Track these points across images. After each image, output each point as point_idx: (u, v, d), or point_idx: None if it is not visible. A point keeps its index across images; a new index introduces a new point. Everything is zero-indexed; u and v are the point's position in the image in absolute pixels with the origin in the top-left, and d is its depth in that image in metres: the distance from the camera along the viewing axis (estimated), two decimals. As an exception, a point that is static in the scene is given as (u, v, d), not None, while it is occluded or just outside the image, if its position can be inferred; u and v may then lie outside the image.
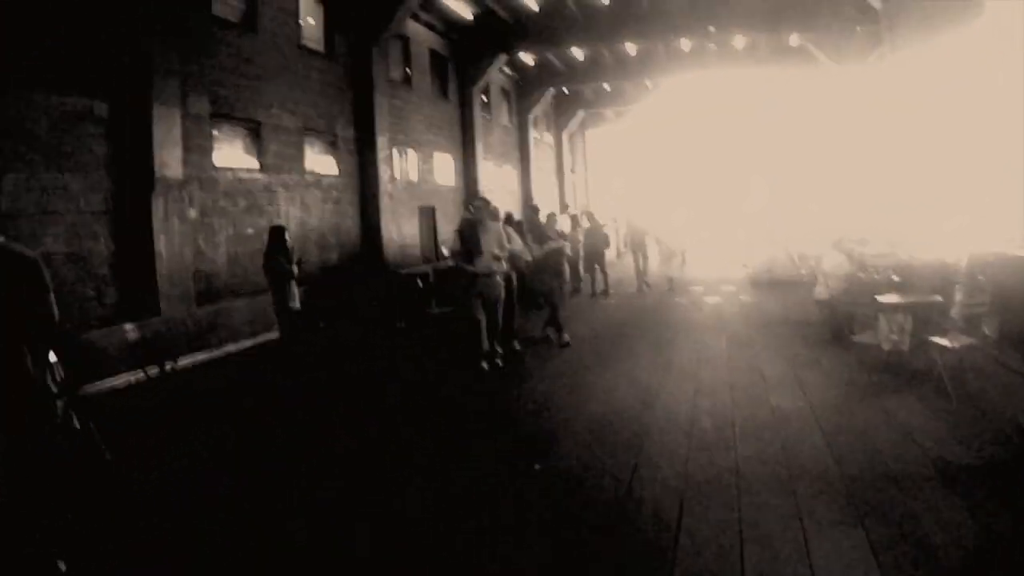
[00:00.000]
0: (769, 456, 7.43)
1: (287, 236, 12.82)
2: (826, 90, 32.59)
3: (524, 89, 39.52)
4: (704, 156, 52.68)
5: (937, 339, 9.61)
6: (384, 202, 22.94)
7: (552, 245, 14.97)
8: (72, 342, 12.15)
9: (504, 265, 12.25)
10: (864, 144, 27.31)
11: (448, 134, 30.27)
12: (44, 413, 5.66)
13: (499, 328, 12.44)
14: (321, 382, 12.07)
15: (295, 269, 12.70)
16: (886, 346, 10.20)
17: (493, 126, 35.94)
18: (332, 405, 10.64)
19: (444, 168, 29.73)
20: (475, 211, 12.14)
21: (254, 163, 18.48)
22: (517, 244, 12.84)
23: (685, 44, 34.78)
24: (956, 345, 9.42)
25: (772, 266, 23.02)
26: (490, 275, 11.96)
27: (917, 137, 19.58)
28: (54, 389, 6.57)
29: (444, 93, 30.28)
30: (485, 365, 11.97)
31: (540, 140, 43.82)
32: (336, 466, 7.92)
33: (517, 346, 13.36)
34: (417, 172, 27.08)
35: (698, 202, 40.83)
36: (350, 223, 22.23)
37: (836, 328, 12.62)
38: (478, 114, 32.20)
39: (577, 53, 35.27)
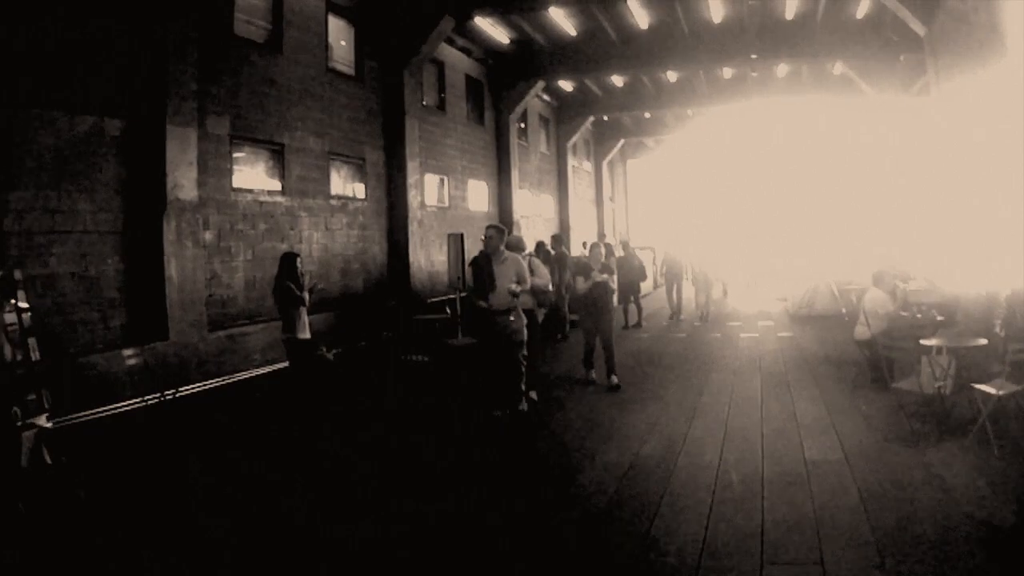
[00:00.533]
0: (799, 520, 6.75)
1: (299, 262, 12.21)
2: (869, 119, 31.83)
3: (562, 116, 38.99)
4: (745, 186, 51.75)
5: (981, 386, 8.91)
6: (413, 228, 22.42)
7: (596, 278, 13.09)
8: (71, 366, 11.75)
9: (526, 300, 11.21)
10: (909, 175, 26.59)
11: (483, 160, 29.77)
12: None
13: (518, 373, 11.05)
14: (319, 418, 11.44)
15: (306, 296, 12.11)
16: (928, 391, 9.46)
17: (530, 153, 35.44)
18: (324, 445, 10.09)
19: (478, 195, 29.21)
20: (489, 240, 10.88)
21: (276, 186, 18.01)
22: (542, 277, 11.74)
23: (726, 72, 34.08)
24: (1002, 392, 8.69)
25: (812, 300, 22.22)
26: (506, 312, 10.76)
27: (961, 170, 18.79)
28: (18, 422, 6.09)
29: (480, 119, 29.82)
30: (498, 413, 10.94)
31: (579, 168, 43.30)
32: (310, 511, 7.39)
33: (534, 396, 11.78)
34: (448, 198, 26.55)
35: (738, 232, 39.90)
36: (376, 249, 21.72)
37: (876, 370, 11.79)
38: (514, 141, 31.68)
39: (616, 80, 34.67)
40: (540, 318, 12.36)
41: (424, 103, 25.04)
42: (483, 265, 10.91)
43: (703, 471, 8.28)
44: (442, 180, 26.27)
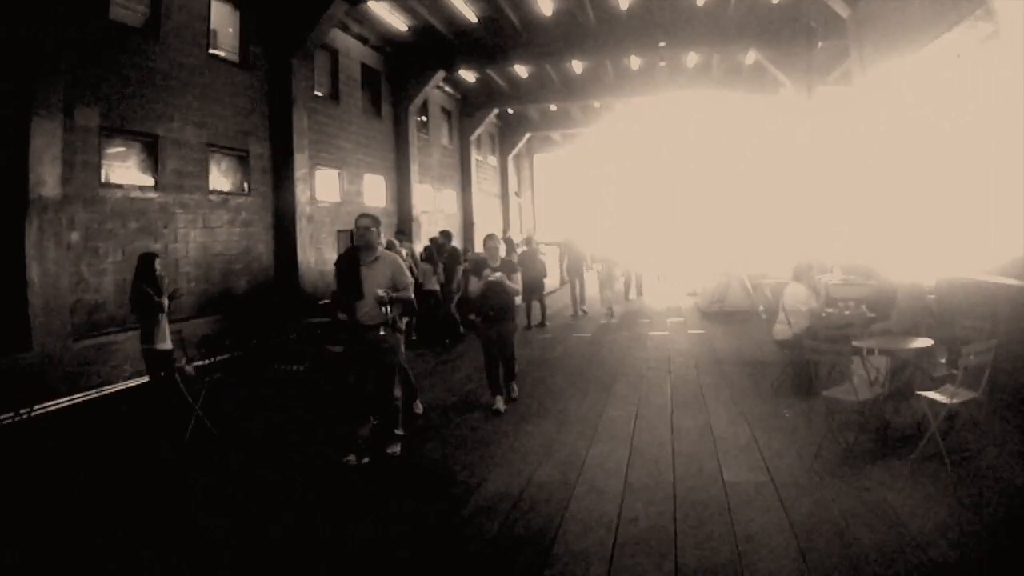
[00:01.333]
0: (719, 564, 5.63)
1: (157, 264, 10.83)
2: (784, 109, 31.10)
3: (466, 109, 37.82)
4: (655, 180, 51.05)
5: (930, 394, 7.88)
6: (301, 225, 20.96)
7: (490, 277, 10.79)
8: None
9: (393, 312, 8.81)
10: (826, 165, 25.89)
11: (380, 154, 28.30)
12: None
13: (391, 408, 9.03)
14: (166, 440, 9.89)
15: (165, 302, 10.71)
16: (863, 398, 8.33)
17: (431, 147, 34.12)
18: (164, 473, 8.71)
19: (375, 190, 27.79)
20: (362, 233, 8.76)
21: (149, 180, 16.53)
22: (405, 284, 8.92)
23: (634, 62, 33.17)
24: (955, 401, 7.66)
25: (724, 295, 21.25)
26: (376, 327, 8.62)
27: (889, 157, 18.00)
28: None
29: (377, 111, 28.36)
30: (352, 459, 8.70)
31: (483, 162, 42.21)
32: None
33: (400, 432, 9.18)
34: (342, 193, 25.11)
35: (649, 226, 39.20)
36: (262, 248, 20.21)
37: (801, 375, 10.71)
38: (414, 133, 30.25)
39: (521, 71, 33.56)
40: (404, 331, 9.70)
41: (316, 93, 23.61)
42: (347, 267, 8.78)
43: (605, 502, 7.12)
44: (335, 174, 24.79)
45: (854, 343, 9.12)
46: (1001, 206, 12.21)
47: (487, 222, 39.16)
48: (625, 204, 50.54)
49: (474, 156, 39.15)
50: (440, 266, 17.87)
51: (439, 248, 18.40)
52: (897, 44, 16.29)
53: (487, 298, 11.04)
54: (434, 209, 33.65)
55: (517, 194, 48.96)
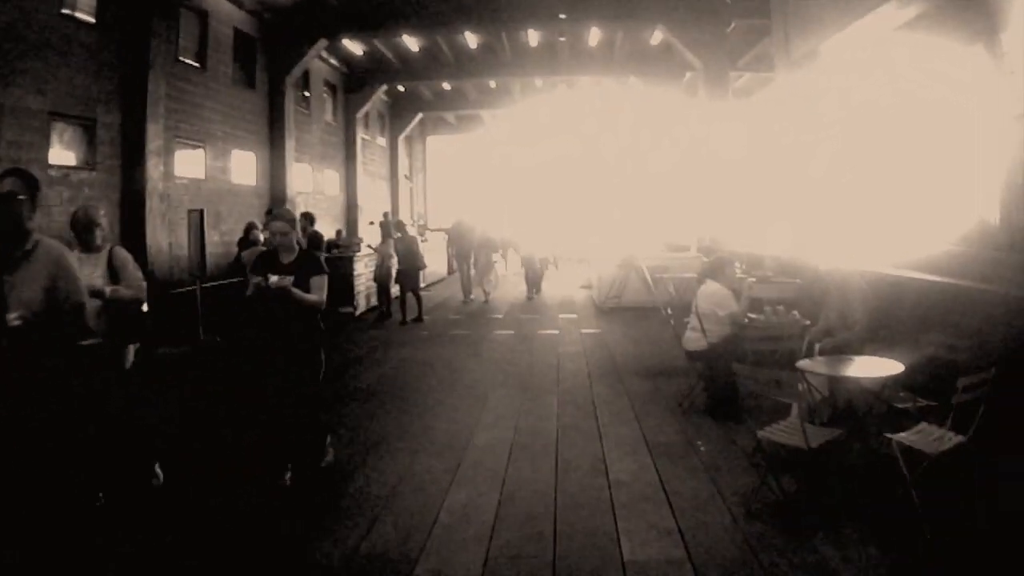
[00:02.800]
0: None
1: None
2: (693, 94, 29.67)
3: (352, 84, 35.38)
4: (553, 164, 49.37)
5: (904, 437, 6.16)
6: (153, 204, 18.58)
7: (274, 283, 6.80)
8: None
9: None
10: (744, 150, 24.57)
11: (252, 128, 25.81)
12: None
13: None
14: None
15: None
16: (813, 440, 6.45)
17: (312, 123, 31.67)
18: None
19: (244, 167, 25.38)
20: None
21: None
22: (130, 284, 6.74)
23: (533, 38, 31.19)
24: (940, 450, 5.95)
25: (622, 290, 19.48)
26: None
27: (813, 145, 16.54)
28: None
29: (250, 81, 25.86)
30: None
31: (371, 142, 39.83)
32: None
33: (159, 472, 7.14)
34: (205, 170, 22.75)
35: (545, 213, 37.73)
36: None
37: (718, 396, 9.03)
38: (291, 107, 27.72)
39: (411, 44, 31.28)
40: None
41: (179, 58, 21.15)
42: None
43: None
44: (197, 148, 22.43)
45: (800, 364, 7.22)
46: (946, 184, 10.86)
47: (374, 206, 36.95)
48: (522, 190, 48.81)
49: (360, 135, 36.74)
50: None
51: (302, 229, 16.37)
52: (826, 19, 14.69)
53: (268, 321, 7.19)
54: (313, 190, 31.28)
55: (408, 177, 46.87)
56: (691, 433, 8.54)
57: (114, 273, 6.69)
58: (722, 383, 8.85)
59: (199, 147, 22.32)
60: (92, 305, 6.07)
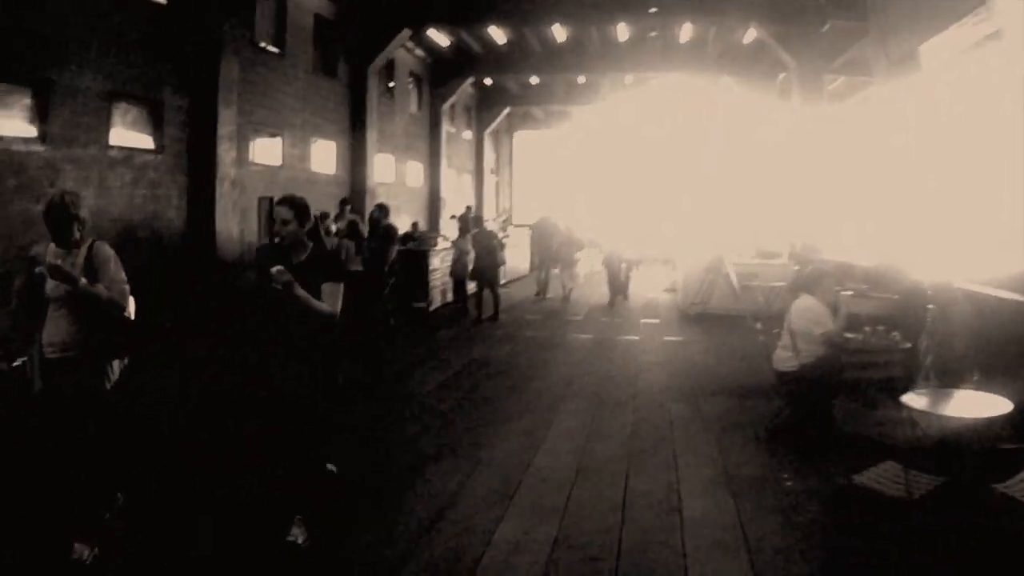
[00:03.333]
0: None
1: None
2: (787, 94, 28.52)
3: (438, 76, 34.72)
4: (642, 163, 48.16)
5: (1007, 487, 5.10)
6: (223, 189, 17.97)
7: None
8: None
9: None
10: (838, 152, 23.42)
11: (333, 117, 25.26)
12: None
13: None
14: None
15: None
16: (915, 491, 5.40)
17: (396, 114, 31.08)
18: None
19: (324, 155, 24.86)
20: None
21: (32, 131, 13.78)
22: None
23: (622, 32, 30.27)
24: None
25: (708, 294, 18.29)
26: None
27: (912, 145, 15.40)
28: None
29: (331, 69, 25.31)
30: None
31: (456, 135, 39.27)
32: None
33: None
34: (282, 156, 22.19)
35: (633, 211, 36.72)
36: (173, 214, 17.31)
37: (808, 423, 7.96)
38: (374, 97, 27.14)
39: (498, 36, 30.62)
40: None
41: (255, 41, 20.60)
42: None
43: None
44: (274, 135, 21.86)
45: (905, 400, 6.18)
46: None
47: (458, 199, 36.22)
48: (607, 188, 47.69)
49: (446, 128, 36.12)
50: (364, 244, 15.15)
51: (375, 224, 15.60)
52: (924, 20, 13.52)
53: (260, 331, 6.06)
54: (396, 181, 30.73)
55: (493, 171, 46.18)
56: (776, 465, 7.45)
57: (92, 272, 5.57)
58: (813, 410, 7.77)
59: (276, 134, 21.73)
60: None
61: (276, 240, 5.74)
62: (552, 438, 8.42)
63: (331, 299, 5.64)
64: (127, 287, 5.76)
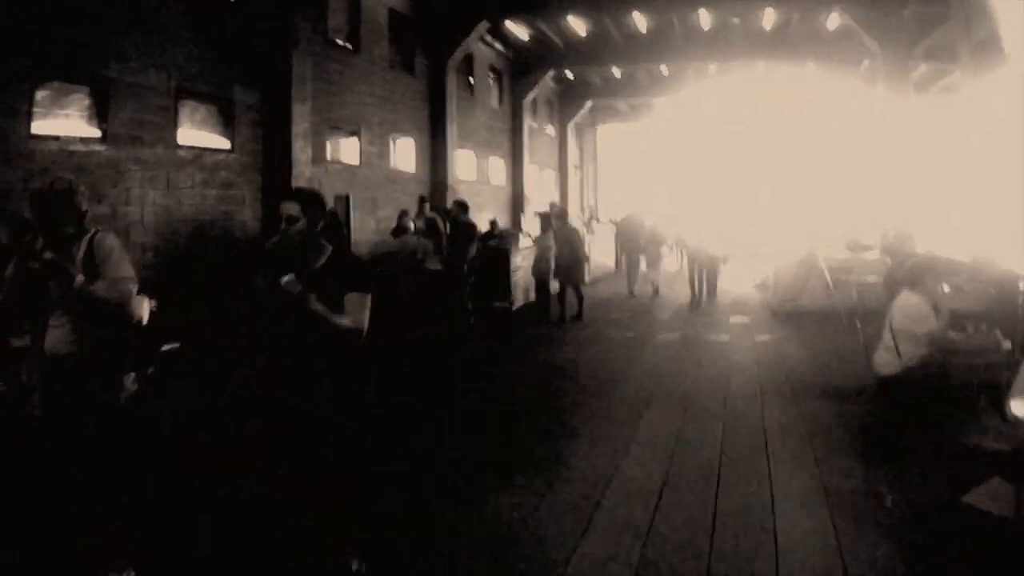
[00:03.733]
0: None
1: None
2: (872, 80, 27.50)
3: (518, 69, 34.15)
4: (727, 154, 47.15)
5: None
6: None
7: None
8: None
9: None
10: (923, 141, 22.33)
11: (411, 113, 24.81)
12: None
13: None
14: None
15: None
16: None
17: (476, 109, 30.57)
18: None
19: (403, 153, 24.46)
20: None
21: (94, 131, 13.59)
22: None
23: (705, 20, 29.37)
24: None
25: (800, 292, 17.38)
26: None
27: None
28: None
29: (408, 64, 24.85)
30: None
31: (539, 130, 38.63)
32: None
33: None
34: (360, 155, 21.77)
35: (718, 205, 35.91)
36: (248, 215, 16.92)
37: (919, 429, 7.13)
38: (453, 92, 26.68)
39: (578, 27, 29.90)
40: None
41: (328, 37, 20.25)
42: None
43: None
44: (351, 133, 21.43)
45: (1012, 407, 5.40)
46: None
47: (542, 196, 35.57)
48: (695, 181, 46.72)
49: (528, 122, 35.54)
50: (443, 242, 14.59)
51: (454, 221, 15.04)
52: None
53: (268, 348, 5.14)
54: (477, 179, 30.26)
55: (578, 167, 45.42)
56: (877, 478, 6.68)
57: (93, 269, 4.83)
58: (916, 417, 6.95)
59: (354, 132, 21.32)
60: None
61: (276, 241, 4.91)
62: (636, 449, 7.75)
63: (357, 311, 4.75)
64: (134, 286, 5.02)
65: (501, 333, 15.27)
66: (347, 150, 21.18)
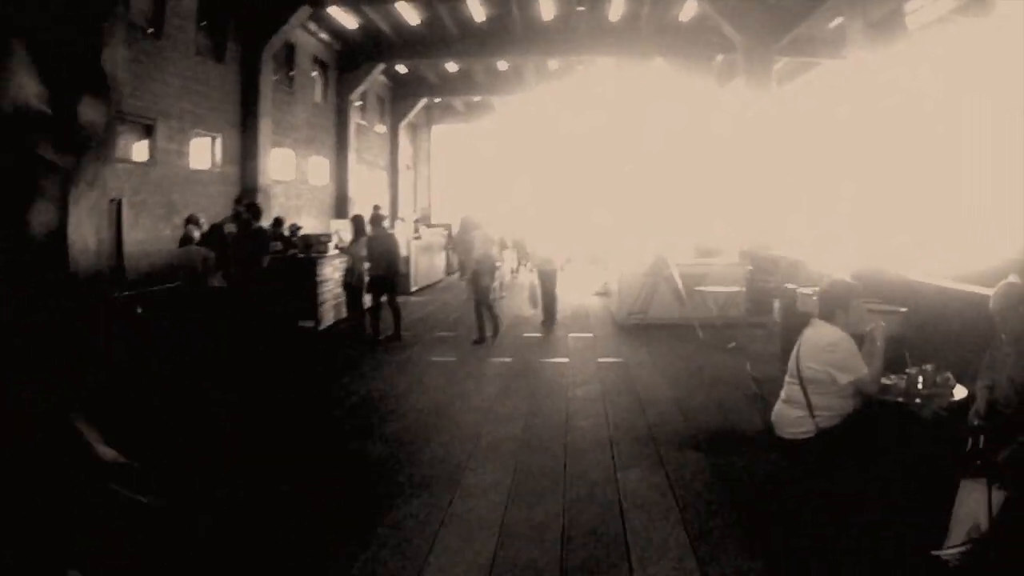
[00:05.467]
0: None
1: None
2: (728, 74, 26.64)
3: (346, 62, 31.98)
4: (571, 156, 45.93)
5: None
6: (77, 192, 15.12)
7: None
8: None
9: None
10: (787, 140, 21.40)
11: (219, 106, 22.26)
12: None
13: None
14: None
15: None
16: None
17: (296, 103, 28.19)
18: None
19: (206, 151, 22.01)
20: None
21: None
22: None
23: (546, 10, 27.66)
24: None
25: (648, 303, 15.82)
26: None
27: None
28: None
29: (218, 52, 22.33)
30: None
31: (368, 128, 36.60)
32: None
33: None
34: (155, 152, 19.16)
35: (561, 209, 34.81)
36: None
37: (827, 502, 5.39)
38: (268, 84, 24.27)
39: (411, 16, 27.81)
40: None
41: (132, 22, 17.66)
42: None
43: None
44: (149, 127, 18.90)
45: None
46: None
47: (369, 198, 33.39)
48: (537, 183, 45.46)
49: (356, 120, 33.47)
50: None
51: (243, 225, 12.96)
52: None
53: None
54: (296, 178, 27.95)
55: (409, 167, 43.60)
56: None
57: None
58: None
59: (149, 123, 18.76)
60: None
61: None
62: (450, 529, 5.76)
63: None
64: None
65: (301, 359, 13.23)
66: (138, 147, 18.65)
